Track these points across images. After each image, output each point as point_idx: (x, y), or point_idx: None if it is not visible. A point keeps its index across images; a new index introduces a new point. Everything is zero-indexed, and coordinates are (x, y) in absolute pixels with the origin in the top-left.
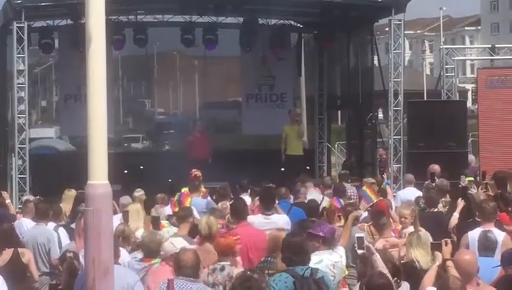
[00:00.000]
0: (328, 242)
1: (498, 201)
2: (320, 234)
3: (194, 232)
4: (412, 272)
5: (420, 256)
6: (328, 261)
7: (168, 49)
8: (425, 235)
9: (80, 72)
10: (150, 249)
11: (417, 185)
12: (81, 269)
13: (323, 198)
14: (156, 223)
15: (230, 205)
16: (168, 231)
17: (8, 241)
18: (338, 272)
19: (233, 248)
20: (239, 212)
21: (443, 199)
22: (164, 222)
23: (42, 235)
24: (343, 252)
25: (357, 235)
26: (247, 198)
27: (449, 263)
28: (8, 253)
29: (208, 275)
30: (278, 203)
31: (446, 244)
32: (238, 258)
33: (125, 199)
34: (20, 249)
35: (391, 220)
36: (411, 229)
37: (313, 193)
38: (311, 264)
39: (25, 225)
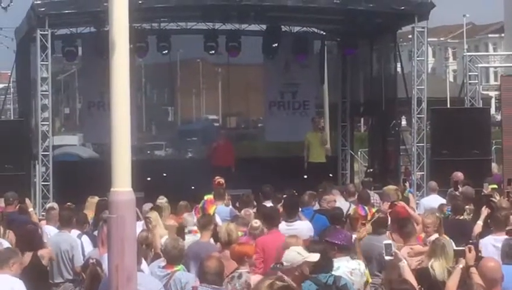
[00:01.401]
0: (345, 249)
1: None
2: (336, 241)
3: (216, 239)
4: (426, 279)
5: (438, 266)
6: (345, 268)
7: (191, 56)
8: (449, 245)
9: (103, 80)
10: (172, 256)
11: (440, 192)
12: (104, 276)
13: (350, 205)
14: (180, 233)
15: (261, 211)
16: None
17: (28, 244)
18: (356, 279)
19: (250, 256)
20: (271, 219)
21: (467, 206)
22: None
23: (65, 243)
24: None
25: (385, 242)
26: (270, 205)
27: (473, 270)
28: (27, 256)
29: (226, 283)
30: (301, 210)
31: (470, 251)
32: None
33: (148, 206)
34: (40, 252)
35: (415, 225)
36: (435, 236)
37: (340, 201)
38: None
39: (48, 232)
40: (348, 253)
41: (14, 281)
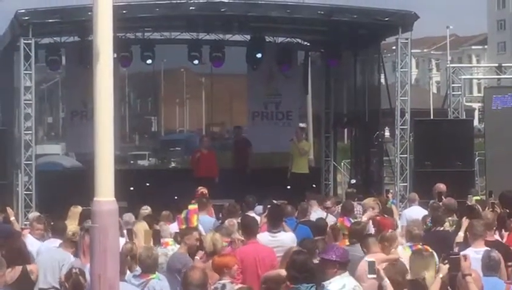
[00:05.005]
0: (345, 265)
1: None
2: (335, 258)
3: (200, 248)
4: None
5: (429, 277)
6: (351, 284)
7: (175, 66)
8: (431, 256)
9: (87, 89)
10: (147, 265)
11: (423, 203)
12: (87, 285)
13: (326, 215)
14: (156, 237)
15: (241, 221)
16: (172, 248)
17: (18, 258)
18: None
19: (230, 267)
20: (249, 229)
21: (450, 217)
22: (169, 240)
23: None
24: None
25: (368, 260)
26: (253, 216)
27: (469, 279)
28: (17, 270)
29: None
30: (284, 221)
31: (465, 259)
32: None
33: (128, 216)
34: (28, 267)
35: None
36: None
37: (317, 211)
38: None
39: (30, 242)
40: (347, 269)
41: None
